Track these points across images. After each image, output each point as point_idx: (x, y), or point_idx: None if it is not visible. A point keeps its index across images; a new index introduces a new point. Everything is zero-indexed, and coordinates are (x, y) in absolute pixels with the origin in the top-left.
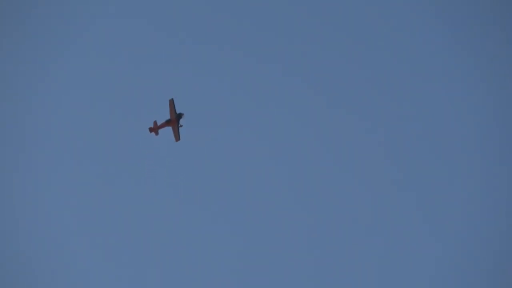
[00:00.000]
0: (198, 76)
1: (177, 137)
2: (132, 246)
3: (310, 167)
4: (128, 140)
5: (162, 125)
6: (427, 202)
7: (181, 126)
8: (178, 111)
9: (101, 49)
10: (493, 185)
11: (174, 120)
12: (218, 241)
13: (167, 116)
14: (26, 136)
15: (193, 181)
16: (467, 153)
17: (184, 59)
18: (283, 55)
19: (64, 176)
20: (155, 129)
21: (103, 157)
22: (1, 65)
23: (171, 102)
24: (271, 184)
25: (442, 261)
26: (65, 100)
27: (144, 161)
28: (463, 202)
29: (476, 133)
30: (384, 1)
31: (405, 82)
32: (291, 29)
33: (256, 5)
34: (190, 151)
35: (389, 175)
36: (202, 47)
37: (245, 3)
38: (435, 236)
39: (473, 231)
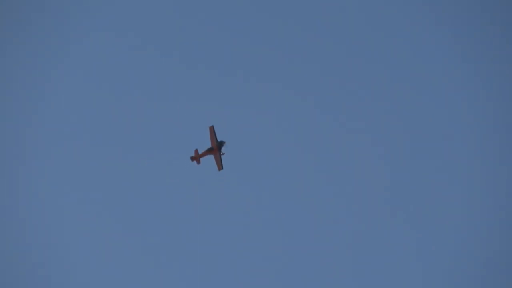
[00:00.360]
0: (197, 75)
1: (220, 166)
2: (132, 246)
3: (313, 169)
4: (128, 140)
5: (204, 154)
6: (425, 202)
7: (223, 154)
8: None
9: (102, 50)
10: (492, 185)
11: (216, 148)
12: (219, 242)
13: (168, 127)
14: (26, 135)
15: (195, 182)
16: (466, 153)
17: (183, 62)
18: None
19: (64, 175)
20: (196, 157)
21: (103, 157)
22: (2, 65)
23: (212, 130)
24: (275, 187)
25: (442, 261)
26: (67, 100)
27: (143, 160)
28: (461, 202)
29: (475, 133)
30: (382, 2)
31: (404, 83)
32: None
33: (253, 6)
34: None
35: (388, 176)
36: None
37: (242, 4)
38: (434, 236)
39: (472, 232)
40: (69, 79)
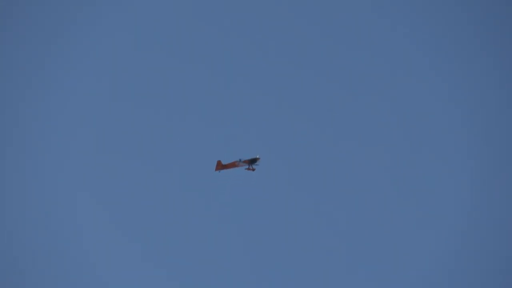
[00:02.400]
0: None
1: (251, 169)
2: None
3: (309, 166)
4: (132, 136)
5: (229, 165)
6: (420, 200)
7: (253, 169)
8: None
9: (102, 44)
10: (481, 182)
11: (248, 162)
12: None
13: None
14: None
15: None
16: (457, 151)
17: (188, 59)
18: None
19: (70, 173)
20: (222, 167)
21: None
22: (5, 65)
23: (255, 160)
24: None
25: (435, 258)
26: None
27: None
28: (453, 199)
29: (465, 133)
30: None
31: (399, 83)
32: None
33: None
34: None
35: (384, 174)
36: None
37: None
38: (427, 232)
39: (462, 230)
40: (75, 79)
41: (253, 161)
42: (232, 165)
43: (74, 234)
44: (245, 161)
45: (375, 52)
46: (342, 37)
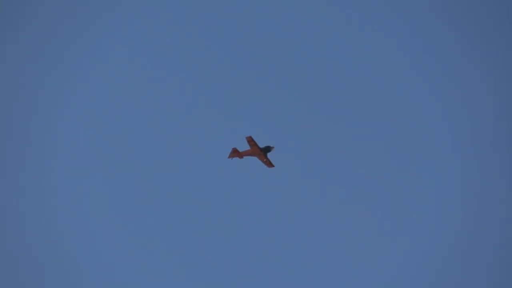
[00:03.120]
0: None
1: (271, 164)
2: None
3: (297, 169)
4: (130, 137)
5: (246, 153)
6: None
7: (272, 165)
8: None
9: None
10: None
11: (263, 152)
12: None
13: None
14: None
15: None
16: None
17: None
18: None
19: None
20: (239, 154)
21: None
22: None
23: (251, 139)
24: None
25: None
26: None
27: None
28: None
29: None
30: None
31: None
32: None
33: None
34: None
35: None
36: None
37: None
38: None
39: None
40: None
41: (267, 149)
42: (248, 153)
43: (76, 234)
44: (260, 149)
45: (364, 60)
46: (332, 46)
